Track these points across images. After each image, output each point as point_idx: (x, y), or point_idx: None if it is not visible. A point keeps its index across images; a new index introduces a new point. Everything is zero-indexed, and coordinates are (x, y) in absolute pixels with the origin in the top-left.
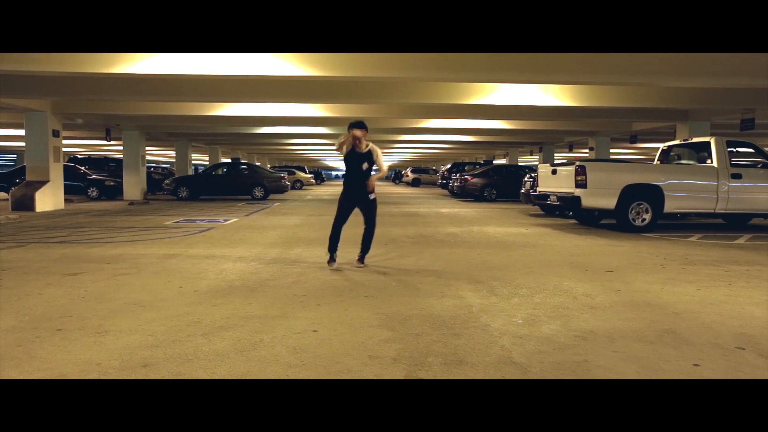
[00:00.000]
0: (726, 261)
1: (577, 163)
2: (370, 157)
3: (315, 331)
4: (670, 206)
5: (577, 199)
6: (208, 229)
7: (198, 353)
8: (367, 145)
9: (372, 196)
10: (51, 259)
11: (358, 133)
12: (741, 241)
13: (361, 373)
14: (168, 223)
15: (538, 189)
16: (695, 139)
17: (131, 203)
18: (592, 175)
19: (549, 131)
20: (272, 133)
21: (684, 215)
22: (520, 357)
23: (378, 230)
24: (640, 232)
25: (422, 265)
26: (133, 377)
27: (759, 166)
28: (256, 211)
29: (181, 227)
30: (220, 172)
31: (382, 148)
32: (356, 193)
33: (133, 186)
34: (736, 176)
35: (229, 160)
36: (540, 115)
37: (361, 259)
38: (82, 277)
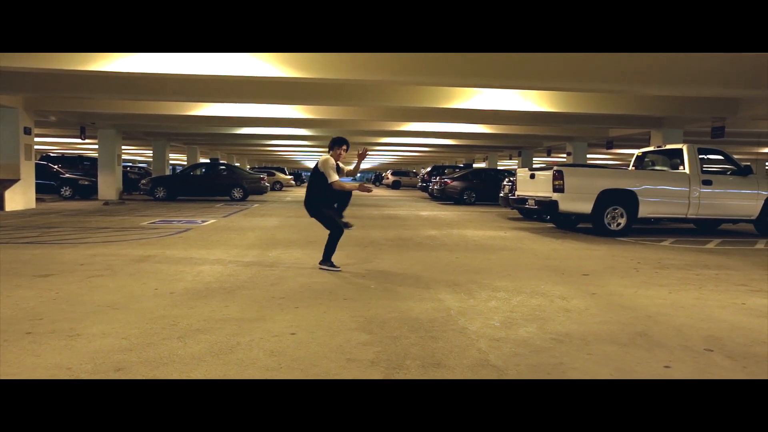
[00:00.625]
0: (697, 265)
1: (555, 167)
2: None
3: (293, 333)
4: (644, 211)
5: (555, 203)
6: (185, 230)
7: (173, 356)
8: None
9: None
10: (21, 261)
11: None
12: (711, 245)
13: (339, 376)
14: (144, 223)
15: (517, 193)
16: (669, 146)
17: (106, 203)
18: (570, 180)
19: (528, 136)
20: (252, 134)
21: (657, 220)
22: (496, 360)
23: (357, 233)
24: (616, 237)
25: (401, 268)
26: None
27: (728, 173)
28: (234, 213)
29: (158, 228)
30: (198, 172)
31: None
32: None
33: (109, 186)
34: (707, 182)
35: (208, 161)
36: (519, 119)
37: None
38: (53, 279)
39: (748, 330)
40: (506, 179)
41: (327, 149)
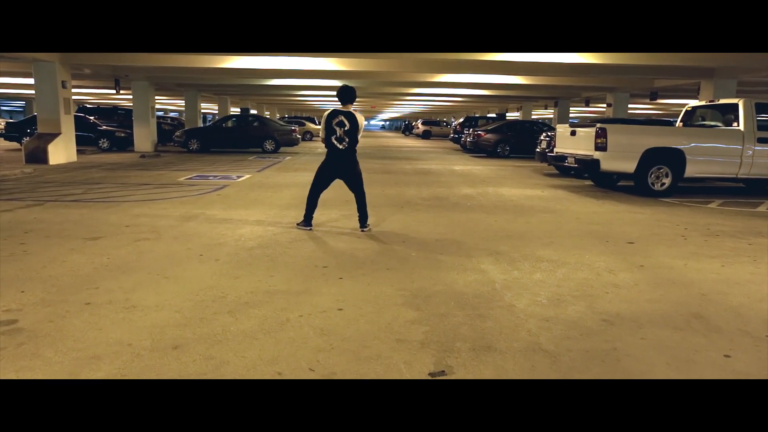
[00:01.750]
0: (749, 232)
1: (598, 125)
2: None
3: (340, 309)
4: (691, 170)
5: (597, 162)
6: (222, 187)
7: (227, 333)
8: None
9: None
10: (71, 221)
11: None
12: (763, 208)
13: (390, 359)
14: (181, 179)
15: (556, 150)
16: (722, 101)
17: (143, 156)
18: (613, 138)
19: (566, 86)
20: (283, 85)
21: (703, 179)
22: (548, 343)
23: (392, 190)
24: (659, 197)
25: (440, 232)
26: (165, 359)
27: None
28: (267, 167)
29: (195, 184)
30: (230, 124)
31: (392, 100)
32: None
33: (144, 138)
34: (763, 140)
35: (238, 112)
36: (558, 71)
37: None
38: (102, 242)
39: None
40: (543, 133)
41: (344, 101)
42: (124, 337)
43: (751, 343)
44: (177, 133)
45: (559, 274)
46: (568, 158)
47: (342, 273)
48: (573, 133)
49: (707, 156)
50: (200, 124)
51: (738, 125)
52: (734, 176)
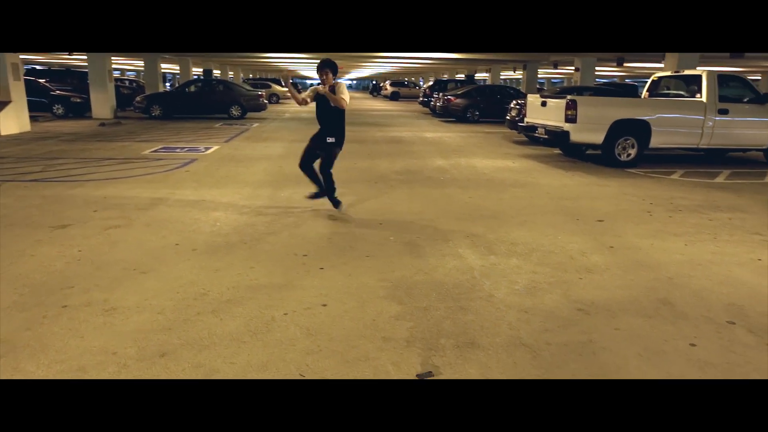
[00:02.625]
0: (709, 206)
1: (568, 97)
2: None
3: (324, 305)
4: (655, 141)
5: (567, 134)
6: (190, 161)
7: (213, 337)
8: (333, 84)
9: (330, 139)
10: (33, 206)
11: (329, 74)
12: (721, 179)
13: (377, 360)
14: (146, 152)
15: (526, 120)
16: (686, 72)
17: (102, 124)
18: (583, 110)
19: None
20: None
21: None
22: (528, 337)
23: (365, 163)
24: (625, 167)
25: (416, 212)
26: (153, 369)
27: (745, 100)
28: (235, 136)
29: (162, 158)
30: (193, 89)
31: (360, 62)
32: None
33: (102, 103)
34: (723, 111)
35: (201, 73)
36: None
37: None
38: (71, 231)
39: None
40: (513, 101)
41: (326, 73)
42: (108, 345)
43: (713, 330)
44: (137, 99)
45: (534, 259)
46: (539, 129)
47: (322, 262)
48: (544, 104)
49: (671, 127)
50: (162, 88)
51: (701, 97)
52: (696, 146)
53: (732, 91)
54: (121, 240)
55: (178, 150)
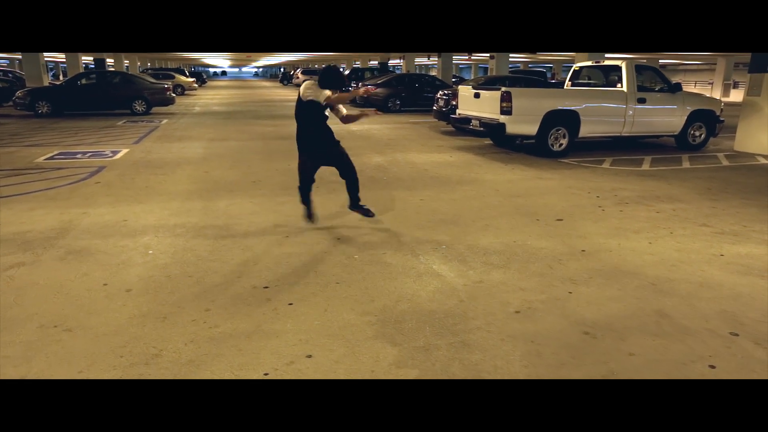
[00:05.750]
0: (650, 197)
1: (503, 89)
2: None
3: (309, 356)
4: (584, 131)
5: (502, 126)
6: (98, 170)
7: None
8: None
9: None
10: None
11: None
12: (646, 166)
13: None
14: (40, 159)
15: (459, 111)
16: (607, 62)
17: None
18: (517, 101)
19: None
20: None
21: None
22: (547, 375)
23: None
24: (558, 158)
25: (371, 221)
26: None
27: (657, 89)
28: (145, 135)
29: (62, 167)
30: (86, 81)
31: (272, 51)
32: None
33: None
34: (641, 100)
35: (91, 62)
36: None
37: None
38: None
39: (750, 298)
40: (440, 92)
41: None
42: None
43: (722, 345)
44: (19, 94)
45: (515, 271)
46: (473, 121)
47: (289, 295)
48: (477, 96)
49: (598, 116)
50: (46, 81)
51: (621, 86)
52: (619, 134)
53: (647, 81)
54: (30, 284)
55: (79, 155)
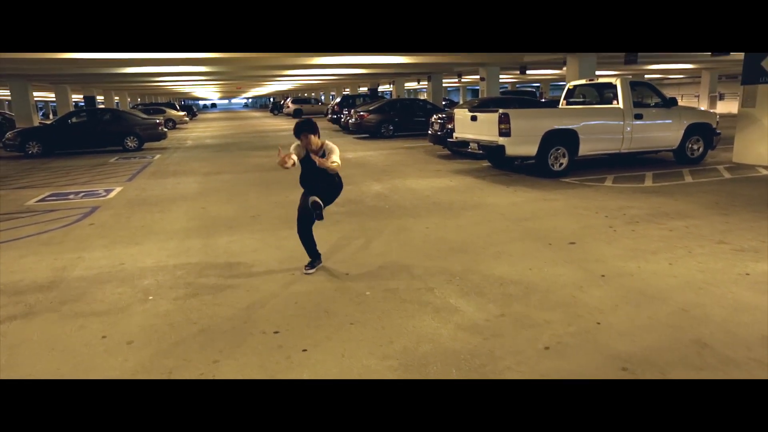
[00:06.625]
0: (659, 214)
1: (500, 111)
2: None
3: None
4: (584, 149)
5: (502, 147)
6: (92, 210)
7: None
8: (321, 144)
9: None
10: None
11: (312, 138)
12: (649, 182)
13: None
14: (31, 202)
15: (456, 135)
16: (601, 80)
17: None
18: (516, 123)
19: (439, 63)
20: (138, 72)
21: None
22: None
23: (294, 195)
24: (558, 177)
25: (378, 252)
26: None
27: (653, 104)
28: (138, 172)
29: (54, 208)
30: (76, 120)
31: (263, 81)
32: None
33: None
34: (638, 116)
35: (81, 99)
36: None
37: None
38: None
39: None
40: (435, 115)
41: (306, 137)
42: None
43: None
44: (8, 135)
45: (536, 302)
46: (471, 144)
47: (302, 341)
48: (474, 118)
49: (596, 134)
50: (36, 121)
51: (618, 103)
52: (618, 151)
53: (642, 97)
54: (23, 339)
55: (72, 196)
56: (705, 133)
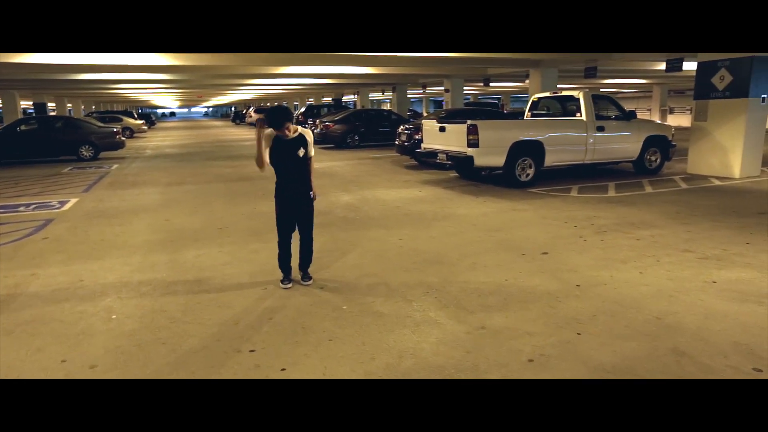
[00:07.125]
0: (625, 224)
1: (469, 122)
2: (304, 143)
3: None
4: (549, 160)
5: (471, 158)
6: (45, 223)
7: None
8: (295, 130)
9: (311, 193)
10: None
11: (290, 125)
12: (612, 192)
13: None
14: None
15: (424, 146)
16: (564, 92)
17: None
18: (484, 134)
19: (404, 74)
20: (95, 79)
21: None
22: None
23: (262, 206)
24: (525, 188)
25: (352, 263)
26: None
27: (613, 117)
28: (95, 182)
29: (3, 222)
30: (26, 127)
31: (225, 90)
32: (294, 191)
33: None
34: (600, 128)
35: (31, 106)
36: (397, 62)
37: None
38: None
39: (758, 328)
40: (402, 126)
41: (286, 126)
42: None
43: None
44: None
45: (515, 313)
46: (440, 155)
47: (279, 359)
48: (442, 129)
49: (561, 145)
50: None
51: (581, 116)
52: (582, 162)
53: (603, 109)
54: None
55: (22, 208)
56: (662, 145)
